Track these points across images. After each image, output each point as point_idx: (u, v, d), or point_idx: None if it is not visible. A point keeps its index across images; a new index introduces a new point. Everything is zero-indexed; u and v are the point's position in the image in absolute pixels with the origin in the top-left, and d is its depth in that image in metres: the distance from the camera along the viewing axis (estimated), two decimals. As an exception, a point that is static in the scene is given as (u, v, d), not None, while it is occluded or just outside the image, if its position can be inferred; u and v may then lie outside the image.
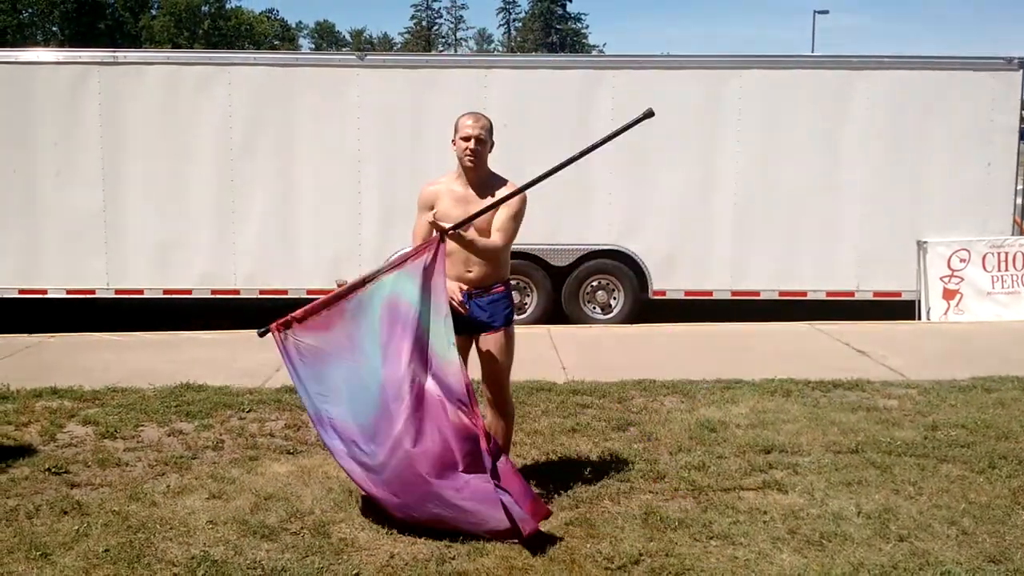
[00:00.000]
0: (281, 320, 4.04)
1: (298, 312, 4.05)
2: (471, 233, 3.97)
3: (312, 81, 9.21)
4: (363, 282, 4.03)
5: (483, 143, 4.09)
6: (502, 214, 4.07)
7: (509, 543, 3.76)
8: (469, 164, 4.08)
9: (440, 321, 3.89)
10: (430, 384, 3.89)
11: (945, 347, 7.89)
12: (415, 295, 3.90)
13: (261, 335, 4.09)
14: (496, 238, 4.06)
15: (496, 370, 4.26)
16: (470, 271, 4.14)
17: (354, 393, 3.97)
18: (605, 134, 4.05)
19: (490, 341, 4.22)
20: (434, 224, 3.87)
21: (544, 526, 3.92)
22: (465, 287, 4.15)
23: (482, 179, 4.14)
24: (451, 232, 3.87)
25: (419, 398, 3.87)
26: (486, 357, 4.25)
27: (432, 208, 4.12)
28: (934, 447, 4.95)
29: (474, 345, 4.28)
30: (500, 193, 4.08)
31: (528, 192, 4.10)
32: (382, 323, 3.95)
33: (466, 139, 4.07)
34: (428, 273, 3.90)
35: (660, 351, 7.77)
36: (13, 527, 3.98)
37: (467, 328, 4.20)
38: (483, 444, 3.82)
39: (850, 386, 6.34)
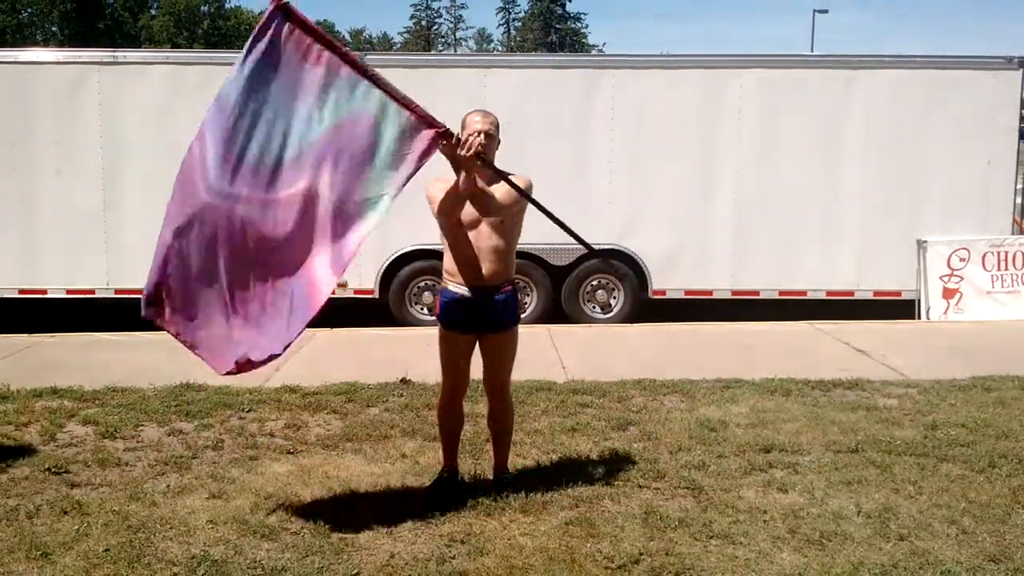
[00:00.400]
0: (294, 9, 3.75)
1: (310, 20, 3.79)
2: (479, 170, 3.89)
3: (312, 80, 9.18)
4: (369, 76, 3.80)
5: (491, 139, 4.07)
6: (507, 187, 4.07)
7: (512, 543, 3.76)
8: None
9: (389, 178, 3.75)
10: (324, 208, 3.74)
11: (945, 346, 7.89)
12: (389, 143, 3.76)
13: None
14: (500, 196, 4.00)
15: (499, 369, 4.26)
16: (480, 268, 4.13)
17: (267, 130, 3.76)
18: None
19: (496, 340, 4.22)
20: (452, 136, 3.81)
21: (543, 526, 3.93)
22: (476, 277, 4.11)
23: (489, 175, 4.13)
24: (450, 141, 3.80)
25: (307, 203, 3.74)
26: (490, 356, 4.25)
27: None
28: (934, 446, 4.95)
29: (477, 344, 4.28)
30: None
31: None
32: (341, 124, 3.77)
33: (475, 135, 4.05)
34: (416, 151, 3.77)
35: (660, 350, 7.77)
36: (13, 527, 3.98)
37: (473, 327, 4.19)
38: (307, 294, 3.71)
39: (850, 385, 6.34)
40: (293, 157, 3.79)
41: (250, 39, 3.79)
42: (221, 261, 3.77)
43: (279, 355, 3.73)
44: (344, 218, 3.77)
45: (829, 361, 7.18)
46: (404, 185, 3.81)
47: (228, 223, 3.76)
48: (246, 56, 3.76)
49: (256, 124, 3.78)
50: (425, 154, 3.81)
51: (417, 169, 3.82)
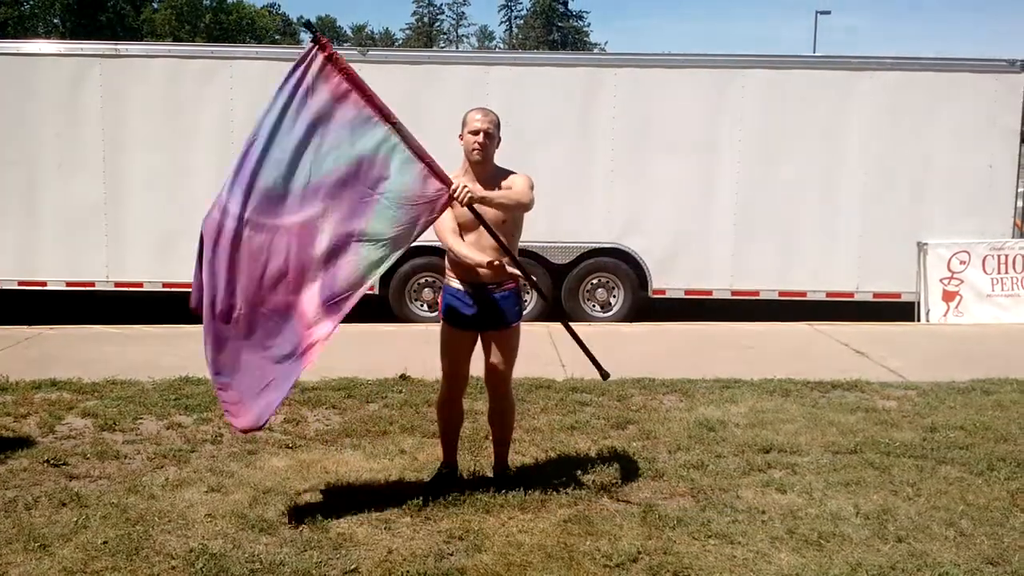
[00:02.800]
0: (332, 49, 3.85)
1: (344, 60, 3.86)
2: (497, 194, 3.99)
3: (314, 76, 9.18)
4: (392, 122, 3.85)
5: (491, 137, 4.10)
6: (518, 184, 4.08)
7: (511, 540, 3.77)
8: (477, 158, 4.09)
9: (393, 220, 3.82)
10: (316, 253, 3.82)
11: (944, 349, 7.89)
12: (399, 185, 3.83)
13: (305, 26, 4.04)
14: (519, 195, 4.04)
15: (500, 367, 4.26)
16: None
17: (285, 157, 3.83)
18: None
19: (498, 337, 4.22)
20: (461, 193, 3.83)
21: (542, 523, 3.93)
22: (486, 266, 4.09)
23: (489, 173, 4.14)
24: (477, 198, 3.88)
25: (302, 242, 3.81)
26: (492, 353, 4.25)
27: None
28: (933, 448, 4.96)
29: (479, 340, 4.27)
30: (508, 180, 4.10)
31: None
32: (359, 163, 3.83)
33: (475, 133, 4.07)
34: (423, 206, 3.85)
35: (659, 350, 7.77)
36: (12, 518, 3.98)
37: (476, 324, 4.20)
38: (302, 348, 3.83)
39: (849, 387, 6.34)
40: (302, 186, 3.84)
41: (288, 70, 3.91)
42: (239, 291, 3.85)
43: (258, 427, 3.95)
44: (336, 267, 3.84)
45: (828, 362, 7.19)
46: (406, 239, 3.88)
47: (239, 245, 3.83)
48: (281, 86, 3.89)
49: (271, 151, 3.85)
50: (431, 207, 3.87)
51: (421, 225, 3.88)
